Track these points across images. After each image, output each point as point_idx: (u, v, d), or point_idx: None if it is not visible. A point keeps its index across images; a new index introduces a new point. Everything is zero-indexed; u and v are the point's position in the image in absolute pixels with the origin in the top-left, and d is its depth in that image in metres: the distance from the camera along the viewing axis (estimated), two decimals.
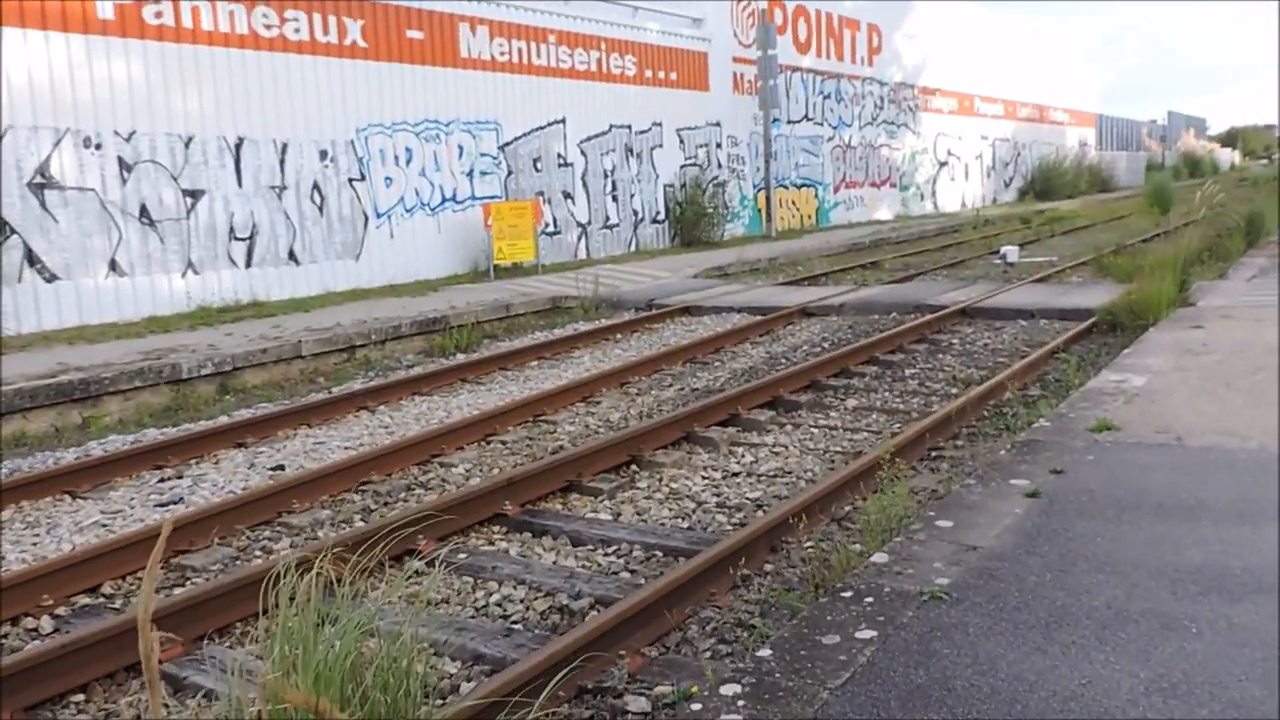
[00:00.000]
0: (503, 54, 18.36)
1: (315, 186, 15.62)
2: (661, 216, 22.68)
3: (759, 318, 13.08)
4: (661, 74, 22.45)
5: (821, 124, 29.36)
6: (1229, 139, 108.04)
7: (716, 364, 10.48)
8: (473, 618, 4.62)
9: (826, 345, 11.17)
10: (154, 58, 13.54)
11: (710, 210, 23.28)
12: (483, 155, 18.11)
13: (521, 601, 4.74)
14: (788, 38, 27.28)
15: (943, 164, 37.60)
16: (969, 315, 12.45)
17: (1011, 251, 18.21)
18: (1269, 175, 55.82)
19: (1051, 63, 48.98)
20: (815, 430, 7.65)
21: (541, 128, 19.34)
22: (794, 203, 28.03)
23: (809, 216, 28.80)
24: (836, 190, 30.31)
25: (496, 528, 5.81)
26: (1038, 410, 6.72)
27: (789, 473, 6.58)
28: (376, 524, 5.38)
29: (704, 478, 6.58)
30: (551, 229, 19.66)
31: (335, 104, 15.73)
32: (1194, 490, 4.38)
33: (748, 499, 6.09)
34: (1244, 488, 4.38)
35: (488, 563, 5.17)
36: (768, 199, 25.25)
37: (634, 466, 6.85)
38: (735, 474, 6.63)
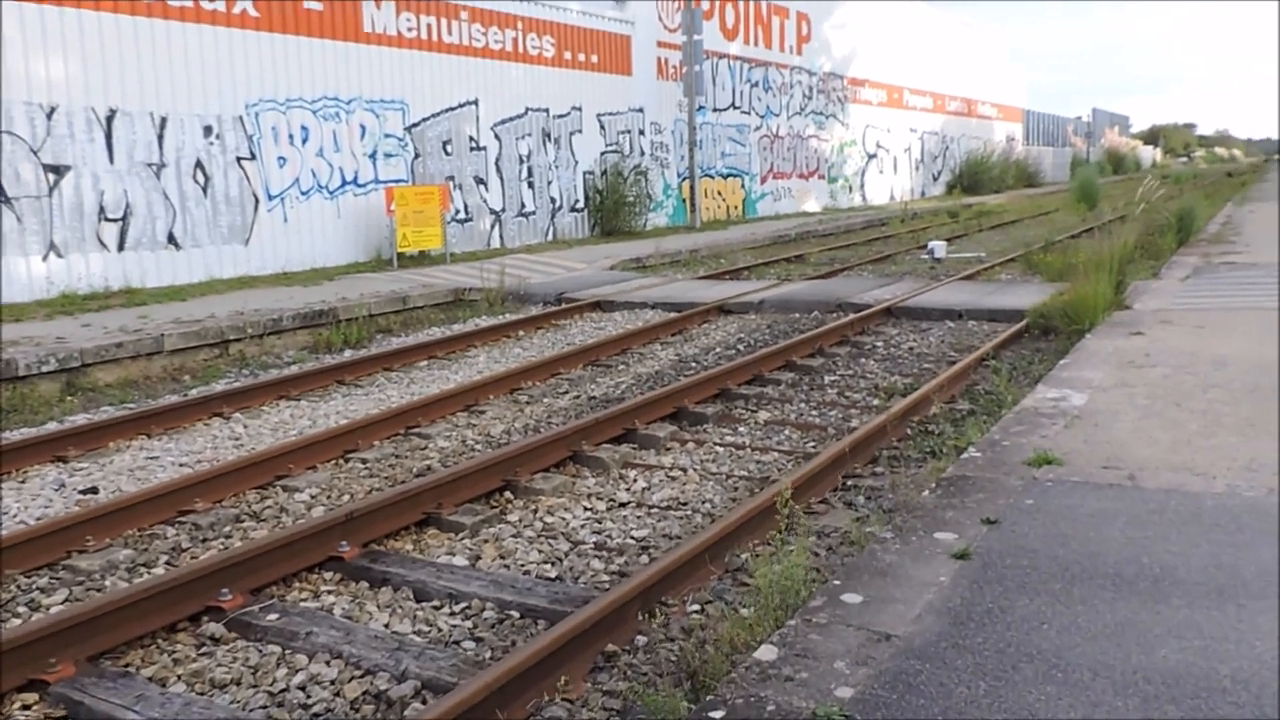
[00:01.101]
0: (410, 30, 17.18)
1: (199, 165, 14.35)
2: (580, 205, 21.69)
3: (673, 314, 12.25)
4: (582, 56, 21.44)
5: (749, 113, 28.59)
6: (1151, 137, 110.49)
7: (620, 367, 9.58)
8: (264, 707, 3.65)
9: (741, 347, 10.34)
10: (10, 19, 12.17)
11: (632, 199, 22.36)
12: (387, 136, 16.94)
13: (332, 684, 3.78)
14: (714, 23, 26.44)
15: (871, 156, 37.16)
16: (894, 315, 11.73)
17: (939, 247, 17.63)
18: (1190, 173, 56.74)
19: (980, 58, 49.00)
20: (720, 449, 6.78)
21: (452, 109, 18.22)
22: (720, 193, 27.24)
23: (735, 207, 28.04)
24: (764, 181, 29.59)
25: (329, 574, 4.84)
26: (967, 435, 5.92)
27: (684, 504, 5.71)
28: (177, 572, 4.36)
29: (586, 509, 5.67)
30: (463, 216, 18.57)
31: (222, 77, 14.45)
32: (1157, 552, 3.59)
33: (632, 538, 5.20)
34: (1217, 548, 3.60)
35: (303, 626, 4.19)
36: (692, 189, 24.40)
37: (508, 494, 5.92)
38: (623, 504, 5.74)
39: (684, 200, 25.09)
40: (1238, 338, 7.78)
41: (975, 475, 4.68)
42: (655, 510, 5.61)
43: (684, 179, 24.97)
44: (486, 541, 5.20)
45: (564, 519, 5.51)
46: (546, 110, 20.49)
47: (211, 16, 14.31)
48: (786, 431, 7.20)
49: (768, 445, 6.84)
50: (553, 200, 20.87)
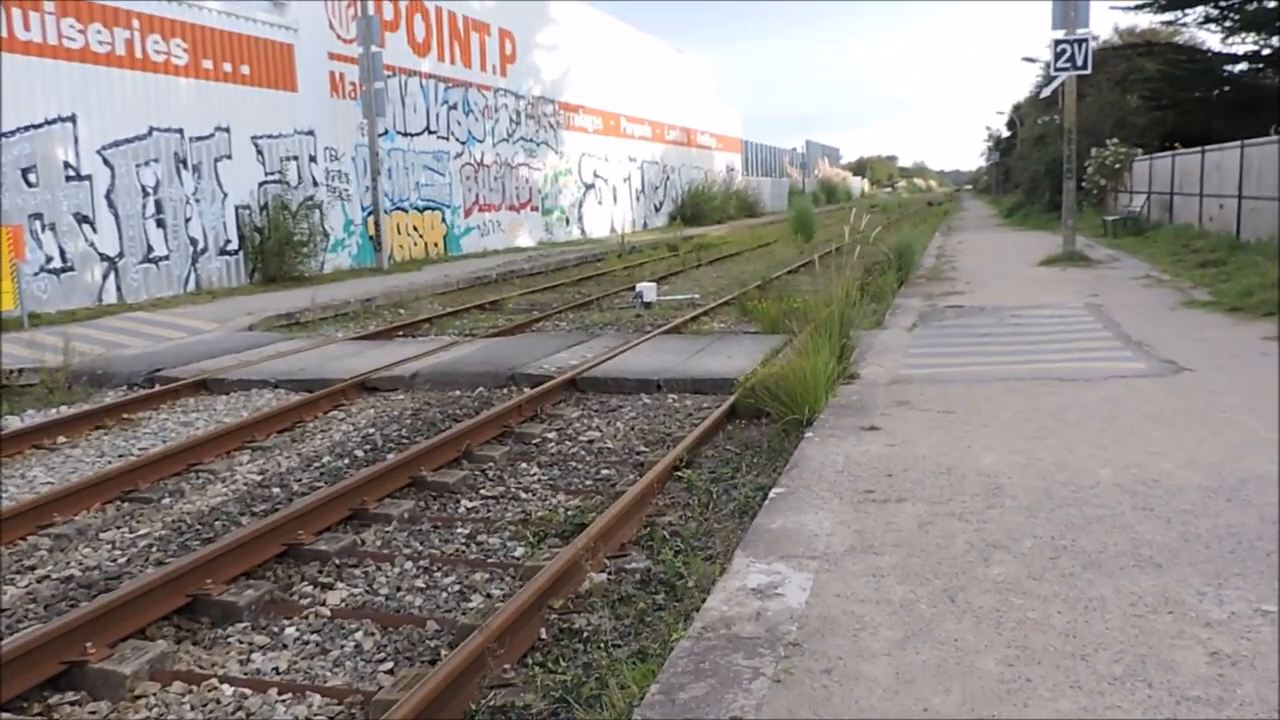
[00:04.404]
0: None
1: None
2: (234, 246, 18.02)
3: (300, 396, 9.27)
4: (227, 66, 17.84)
5: (448, 138, 25.74)
6: (859, 168, 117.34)
7: (165, 502, 6.45)
8: None
9: (362, 453, 7.46)
10: None
11: (303, 238, 18.93)
12: None
13: None
14: (401, 35, 23.46)
15: (589, 186, 35.28)
16: (579, 389, 9.23)
17: (648, 290, 15.50)
18: (896, 202, 59.37)
19: (696, 87, 48.71)
20: (225, 691, 3.91)
21: (35, 127, 14.22)
22: (416, 228, 24.19)
23: (436, 244, 25.07)
24: (468, 214, 26.79)
25: None
26: (619, 690, 3.31)
27: None
28: None
29: None
30: (58, 265, 14.56)
31: None
32: None
33: None
34: None
35: None
36: (377, 224, 21.20)
37: None
38: None
39: (372, 238, 21.84)
40: (999, 434, 5.74)
41: None
42: None
43: (370, 213, 21.73)
44: None
45: None
46: (180, 131, 16.76)
47: None
48: (357, 636, 4.42)
49: (308, 680, 4.04)
50: (194, 241, 17.11)
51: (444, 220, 25.51)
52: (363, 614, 4.65)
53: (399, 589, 4.95)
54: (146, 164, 16.11)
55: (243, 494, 6.53)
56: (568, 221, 33.34)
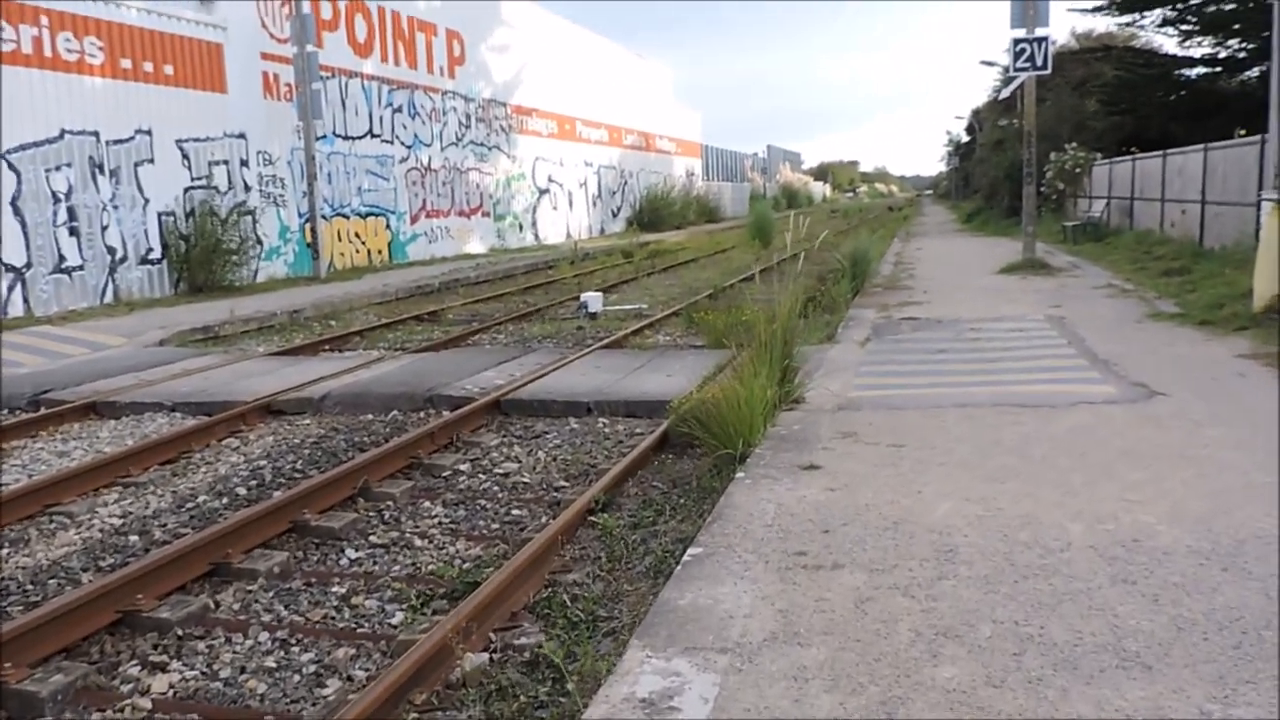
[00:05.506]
0: None
1: None
2: (157, 255, 17.03)
3: (196, 421, 8.39)
4: (149, 66, 16.85)
5: (392, 141, 24.81)
6: (820, 173, 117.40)
7: None
8: None
9: (244, 492, 6.63)
10: None
11: (231, 245, 17.96)
12: None
13: None
14: (340, 35, 22.54)
15: (543, 191, 34.44)
16: (503, 412, 8.45)
17: (594, 300, 14.74)
18: (857, 206, 59.09)
19: (655, 92, 48.06)
20: None
21: None
22: (358, 235, 23.25)
23: (380, 252, 24.13)
24: (415, 220, 25.87)
25: None
26: None
27: None
28: None
29: None
30: None
31: None
32: None
33: None
34: None
35: None
36: (313, 231, 20.25)
37: None
38: None
39: (309, 245, 20.88)
40: (955, 474, 5.04)
41: None
42: None
43: (307, 220, 20.78)
44: None
45: None
46: (95, 134, 15.76)
47: None
48: None
49: None
50: (111, 250, 16.10)
51: (388, 226, 24.58)
52: (189, 707, 3.85)
53: (244, 670, 4.15)
54: (58, 169, 15.11)
55: (94, 544, 5.68)
56: (521, 227, 32.49)
